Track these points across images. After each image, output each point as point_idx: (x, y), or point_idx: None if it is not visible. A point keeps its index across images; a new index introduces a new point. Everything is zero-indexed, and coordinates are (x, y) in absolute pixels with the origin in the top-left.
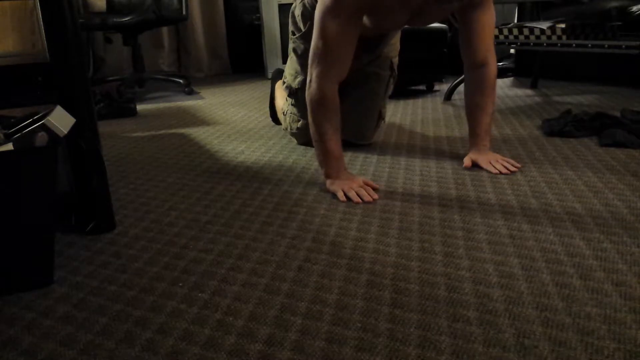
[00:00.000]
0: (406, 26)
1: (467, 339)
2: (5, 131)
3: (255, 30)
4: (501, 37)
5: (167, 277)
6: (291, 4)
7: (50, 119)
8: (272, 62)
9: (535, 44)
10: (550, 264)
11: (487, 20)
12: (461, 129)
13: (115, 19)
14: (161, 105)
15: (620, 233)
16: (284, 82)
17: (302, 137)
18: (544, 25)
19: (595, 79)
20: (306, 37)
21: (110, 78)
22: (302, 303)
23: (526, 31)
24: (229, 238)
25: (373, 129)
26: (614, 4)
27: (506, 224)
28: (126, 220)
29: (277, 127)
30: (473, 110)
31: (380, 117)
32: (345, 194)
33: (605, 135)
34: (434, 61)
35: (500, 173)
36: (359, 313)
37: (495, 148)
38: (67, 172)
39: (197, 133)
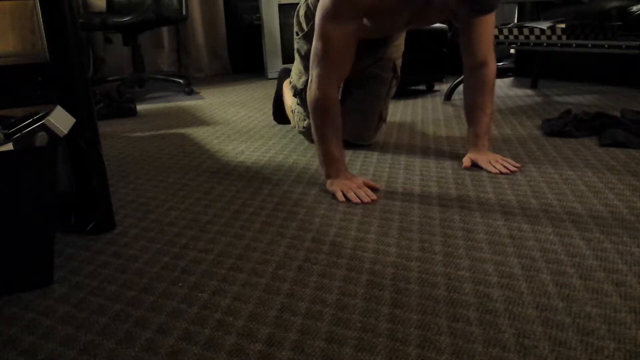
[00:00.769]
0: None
1: (467, 339)
2: (5, 131)
3: (255, 30)
4: (501, 37)
5: (167, 277)
6: (292, 4)
7: (50, 119)
8: (272, 62)
9: (535, 44)
10: (550, 264)
11: (488, 21)
12: (461, 129)
13: (115, 19)
14: (161, 105)
15: (620, 233)
16: (290, 82)
17: (310, 135)
18: (544, 25)
19: (595, 79)
20: (308, 38)
21: (110, 78)
22: (302, 303)
23: (526, 31)
24: (229, 238)
25: (374, 130)
26: (614, 4)
27: (506, 224)
28: (126, 220)
29: (277, 127)
30: (472, 110)
31: (382, 118)
32: (344, 195)
33: (605, 135)
34: (434, 61)
35: (500, 173)
36: (359, 313)
37: (495, 148)
38: (67, 172)
39: (197, 133)
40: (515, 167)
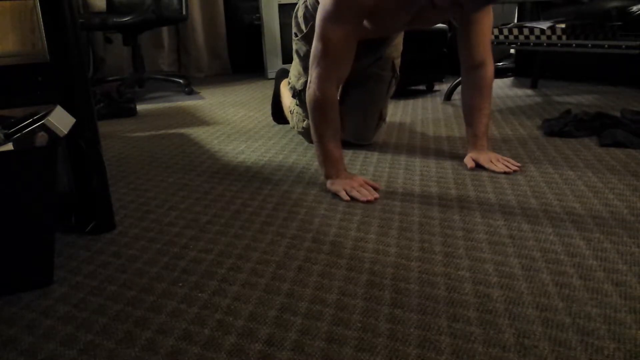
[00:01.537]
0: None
1: (467, 339)
2: (5, 131)
3: (255, 30)
4: (501, 37)
5: (167, 277)
6: (292, 4)
7: (50, 119)
8: (272, 62)
9: (535, 44)
10: (550, 264)
11: (486, 22)
12: (461, 129)
13: (115, 19)
14: (161, 105)
15: (620, 233)
16: (289, 83)
17: (309, 136)
18: (544, 25)
19: (595, 79)
20: (307, 39)
21: (110, 78)
22: (302, 303)
23: (526, 31)
24: (229, 238)
25: (373, 130)
26: (614, 4)
27: (506, 224)
28: (126, 220)
29: (277, 127)
30: (471, 111)
31: (381, 117)
32: (348, 193)
33: (605, 135)
34: (434, 61)
35: (502, 172)
36: (359, 313)
37: (495, 148)
38: (67, 172)
39: (197, 133)
40: (516, 166)
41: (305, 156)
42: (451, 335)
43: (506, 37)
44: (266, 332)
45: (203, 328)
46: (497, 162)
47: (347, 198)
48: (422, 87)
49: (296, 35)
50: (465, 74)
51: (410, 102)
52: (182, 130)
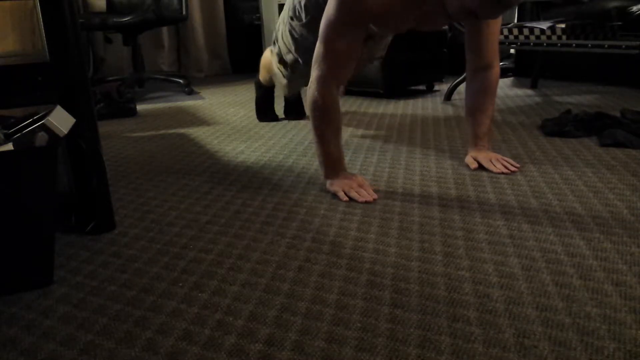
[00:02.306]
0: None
1: (467, 339)
2: (5, 131)
3: (255, 30)
4: (501, 37)
5: (167, 277)
6: None
7: (50, 119)
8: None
9: (535, 44)
10: (550, 264)
11: (496, 24)
12: (461, 129)
13: (115, 19)
14: (161, 105)
15: (620, 233)
16: (273, 51)
17: (292, 87)
18: (544, 25)
19: (595, 79)
20: (306, 27)
21: (110, 78)
22: (302, 303)
23: (526, 31)
24: (229, 238)
25: None
26: (614, 4)
27: (506, 224)
28: (126, 220)
29: (277, 127)
30: (474, 111)
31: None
32: (346, 194)
33: (605, 135)
34: (434, 61)
35: (501, 173)
36: (359, 313)
37: (495, 148)
38: (67, 172)
39: (197, 133)
40: (515, 167)
41: (305, 156)
42: (451, 335)
43: (506, 37)
44: (266, 332)
45: (203, 328)
46: (497, 163)
47: (346, 198)
48: (422, 87)
49: (292, 19)
50: (471, 75)
51: (410, 102)
52: (182, 130)
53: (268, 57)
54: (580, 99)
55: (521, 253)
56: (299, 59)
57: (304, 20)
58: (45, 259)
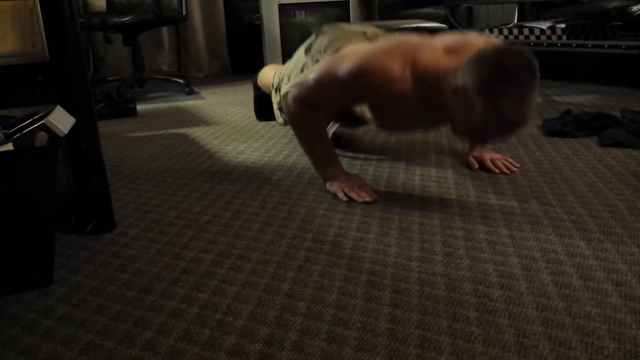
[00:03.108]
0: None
1: (467, 339)
2: (5, 131)
3: (255, 30)
4: (501, 37)
5: (167, 277)
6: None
7: (50, 119)
8: (272, 62)
9: (535, 44)
10: (550, 264)
11: None
12: None
13: (115, 19)
14: (161, 105)
15: (620, 233)
16: (277, 90)
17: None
18: (544, 25)
19: (595, 79)
20: None
21: (110, 78)
22: (302, 303)
23: (526, 31)
24: (229, 238)
25: None
26: (614, 4)
27: (506, 224)
28: (126, 220)
29: (277, 127)
30: None
31: None
32: (346, 194)
33: (605, 135)
34: None
35: (501, 173)
36: (359, 313)
37: (496, 148)
38: (67, 172)
39: (197, 133)
40: (515, 167)
41: (305, 156)
42: (451, 335)
43: (506, 37)
44: (266, 332)
45: (203, 328)
46: (497, 163)
47: (345, 199)
48: None
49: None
50: (471, 142)
51: None
52: (182, 130)
53: (269, 77)
54: (580, 99)
55: (521, 253)
56: None
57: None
58: (45, 259)
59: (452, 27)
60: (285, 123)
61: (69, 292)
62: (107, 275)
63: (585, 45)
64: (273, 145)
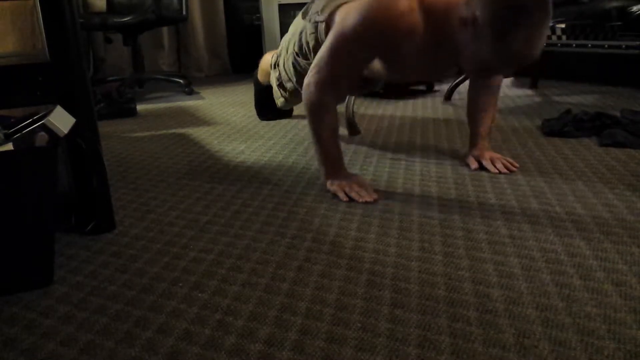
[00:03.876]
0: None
1: (467, 338)
2: (5, 131)
3: (255, 30)
4: None
5: (167, 277)
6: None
7: (50, 119)
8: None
9: None
10: (550, 264)
11: None
12: (461, 129)
13: (115, 19)
14: (161, 105)
15: (620, 233)
16: (275, 66)
17: (289, 102)
18: None
19: (595, 79)
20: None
21: (110, 78)
22: (302, 303)
23: None
24: (229, 238)
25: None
26: (614, 4)
27: (506, 224)
28: (126, 220)
29: (277, 127)
30: (476, 111)
31: None
32: (346, 194)
33: (605, 135)
34: None
35: (500, 172)
36: (359, 313)
37: (496, 148)
38: (67, 172)
39: (197, 133)
40: (515, 167)
41: (305, 156)
42: (451, 335)
43: None
44: (266, 332)
45: (203, 328)
46: (497, 162)
47: (346, 199)
48: (422, 87)
49: (297, 55)
50: (475, 75)
51: (410, 102)
52: (182, 130)
53: (268, 62)
54: (580, 99)
55: (521, 253)
56: (299, 89)
57: (310, 60)
58: (45, 259)
59: None
60: (285, 103)
61: (69, 292)
62: (107, 275)
63: (585, 45)
64: (273, 145)
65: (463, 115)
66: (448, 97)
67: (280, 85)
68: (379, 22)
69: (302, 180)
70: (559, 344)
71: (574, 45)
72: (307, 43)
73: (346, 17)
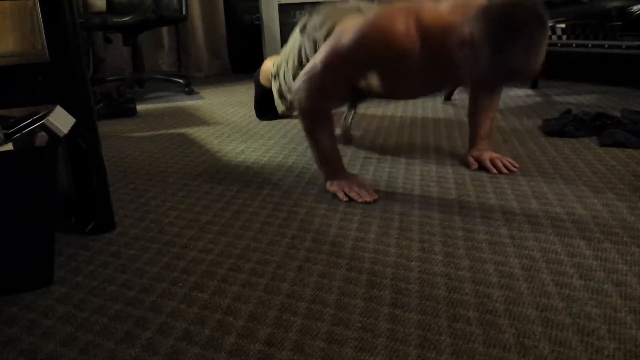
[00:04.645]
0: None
1: (467, 339)
2: (5, 131)
3: (255, 30)
4: None
5: (167, 277)
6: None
7: (50, 119)
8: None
9: None
10: (551, 264)
11: None
12: (461, 129)
13: (115, 19)
14: (161, 105)
15: (620, 233)
16: (275, 77)
17: (289, 112)
18: None
19: (595, 79)
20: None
21: (110, 78)
22: (302, 303)
23: None
24: (229, 238)
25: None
26: (614, 4)
27: (506, 224)
28: (126, 220)
29: (277, 127)
30: (476, 112)
31: None
32: (346, 194)
33: (605, 135)
34: None
35: (500, 172)
36: (359, 313)
37: (496, 148)
38: (67, 172)
39: (197, 133)
40: (515, 167)
41: (305, 156)
42: (451, 335)
43: None
44: (266, 332)
45: (203, 328)
46: (497, 162)
47: (345, 199)
48: None
49: (298, 69)
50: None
51: (410, 102)
52: (182, 130)
53: (269, 69)
54: (580, 99)
55: (521, 253)
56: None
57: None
58: (45, 259)
59: None
60: (287, 111)
61: (69, 292)
62: (107, 275)
63: (585, 45)
64: (273, 145)
65: (463, 115)
66: (448, 97)
67: (281, 95)
68: (376, 43)
69: (302, 181)
70: (559, 344)
71: (574, 45)
72: (307, 59)
73: (344, 33)
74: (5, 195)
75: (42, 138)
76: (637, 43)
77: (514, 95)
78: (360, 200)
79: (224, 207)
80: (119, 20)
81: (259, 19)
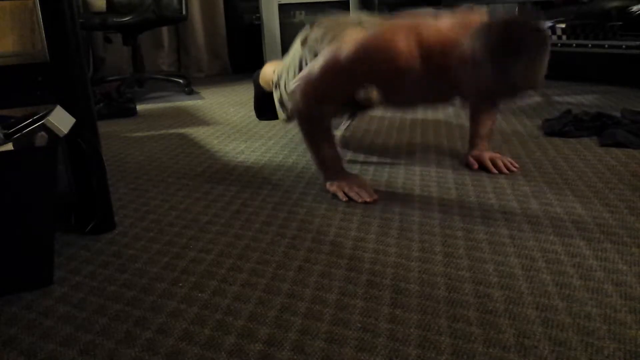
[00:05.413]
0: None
1: (467, 339)
2: (5, 131)
3: (255, 30)
4: None
5: (167, 277)
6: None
7: (50, 119)
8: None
9: None
10: (551, 264)
11: None
12: (461, 129)
13: (115, 19)
14: (161, 105)
15: (620, 233)
16: (276, 86)
17: (291, 121)
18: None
19: (595, 79)
20: None
21: (110, 78)
22: (302, 303)
23: None
24: (229, 238)
25: None
26: (614, 4)
27: (506, 224)
28: (126, 220)
29: (277, 127)
30: (477, 112)
31: None
32: (346, 194)
33: (605, 135)
34: None
35: (500, 172)
36: (359, 313)
37: (496, 148)
38: (67, 172)
39: (197, 133)
40: (515, 167)
41: (305, 156)
42: (451, 335)
43: None
44: (266, 332)
45: (203, 328)
46: (497, 163)
47: (345, 199)
48: None
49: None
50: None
51: None
52: (182, 130)
53: (270, 74)
54: (580, 99)
55: (521, 253)
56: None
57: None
58: (45, 259)
59: None
60: (288, 119)
61: (69, 292)
62: (107, 275)
63: (585, 45)
64: (273, 145)
65: (463, 115)
66: None
67: (282, 105)
68: (376, 58)
69: (302, 181)
70: (559, 344)
71: (574, 45)
72: (307, 68)
73: (346, 44)
74: (5, 195)
75: (42, 138)
76: (637, 43)
77: None
78: (360, 200)
79: (223, 207)
80: (119, 20)
81: (259, 19)
